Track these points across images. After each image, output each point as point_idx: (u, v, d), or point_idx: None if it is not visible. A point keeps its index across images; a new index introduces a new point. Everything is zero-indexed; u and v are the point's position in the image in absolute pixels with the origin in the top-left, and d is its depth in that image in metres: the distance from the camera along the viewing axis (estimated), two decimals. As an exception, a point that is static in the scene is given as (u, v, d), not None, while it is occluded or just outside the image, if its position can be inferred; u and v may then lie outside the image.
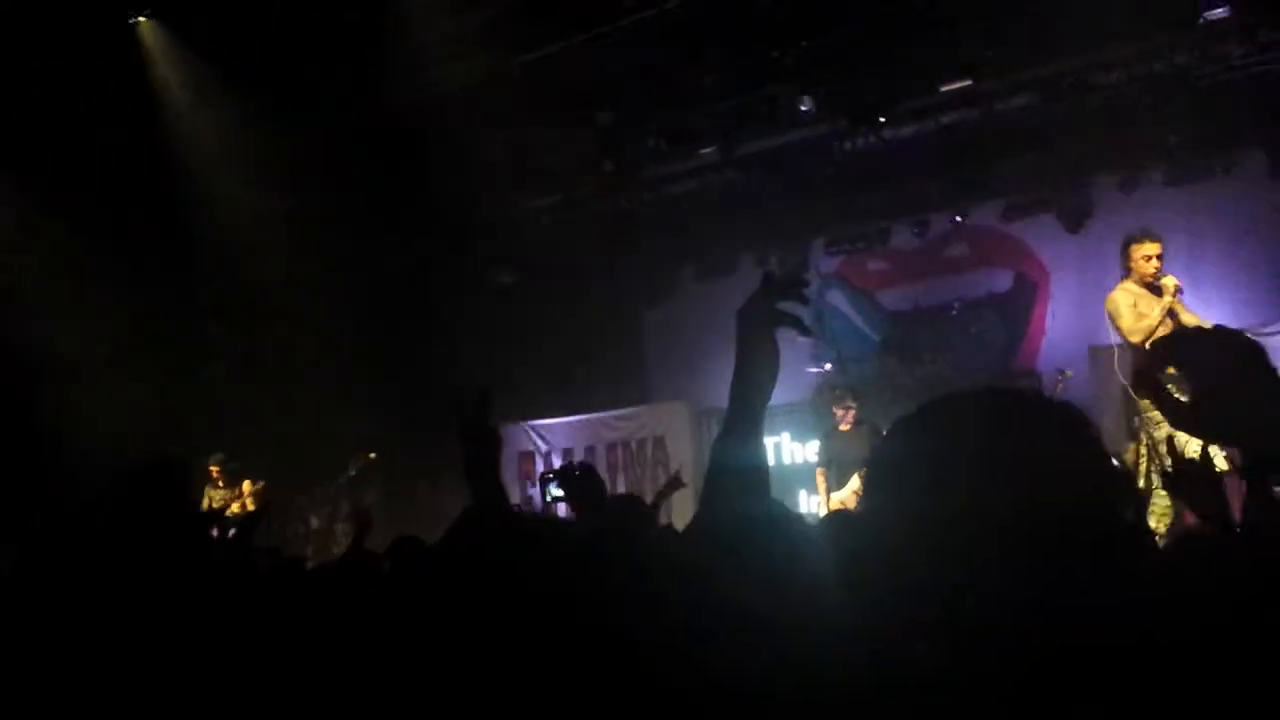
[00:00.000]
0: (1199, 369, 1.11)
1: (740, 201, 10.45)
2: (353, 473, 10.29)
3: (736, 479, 1.45)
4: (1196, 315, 5.83)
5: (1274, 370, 1.10)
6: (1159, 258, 5.95)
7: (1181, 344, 1.15)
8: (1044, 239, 9.94)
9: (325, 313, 10.25)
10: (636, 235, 10.88)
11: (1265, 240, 8.67)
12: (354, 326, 10.58)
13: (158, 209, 9.30)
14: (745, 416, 1.48)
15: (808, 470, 8.60)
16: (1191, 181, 9.02)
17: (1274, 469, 1.12)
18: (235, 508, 8.71)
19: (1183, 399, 1.12)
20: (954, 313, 10.17)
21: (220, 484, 8.92)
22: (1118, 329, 6.01)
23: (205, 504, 8.73)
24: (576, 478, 3.72)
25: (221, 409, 9.91)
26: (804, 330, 1.51)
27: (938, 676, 0.94)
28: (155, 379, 9.23)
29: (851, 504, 7.21)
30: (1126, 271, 6.07)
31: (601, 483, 3.84)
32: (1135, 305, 5.91)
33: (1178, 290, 5.82)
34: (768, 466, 1.52)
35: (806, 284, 1.53)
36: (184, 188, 9.20)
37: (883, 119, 9.33)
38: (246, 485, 8.96)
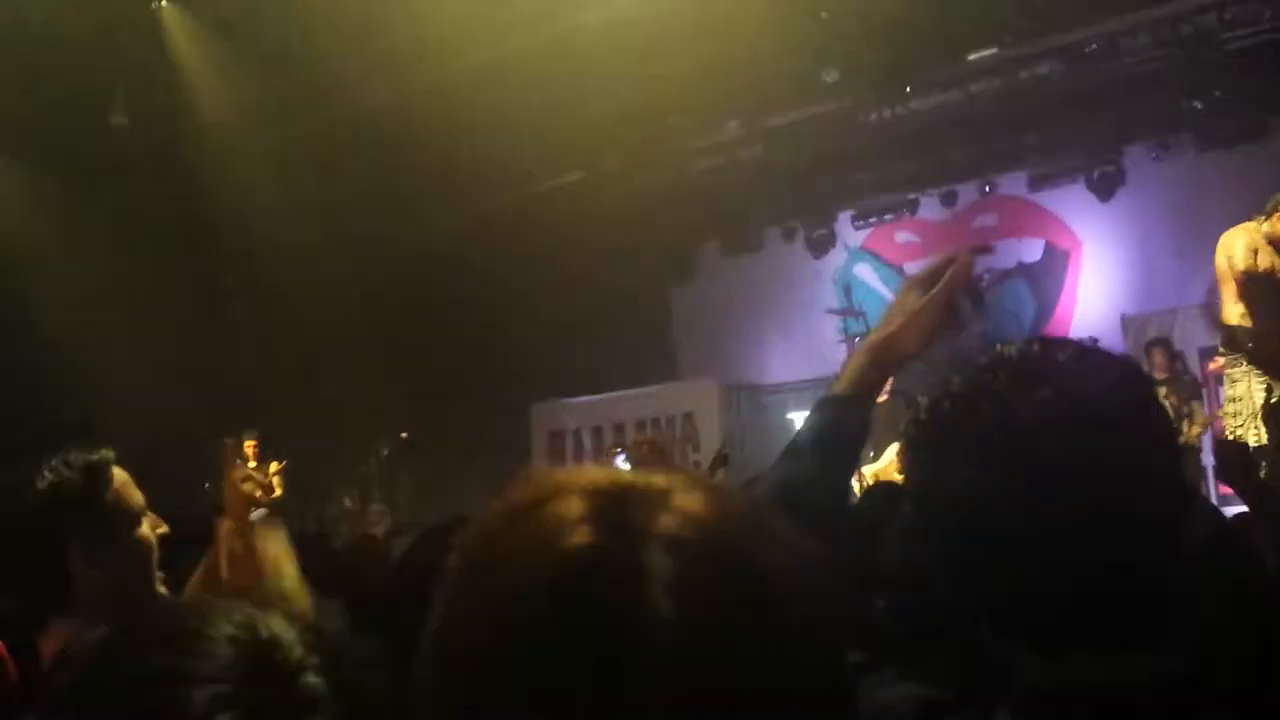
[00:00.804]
0: None
1: (766, 176, 10.38)
2: (385, 453, 10.34)
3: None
4: None
5: None
6: None
7: None
8: (1074, 208, 9.83)
9: (359, 293, 10.31)
10: (661, 212, 10.85)
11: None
12: (387, 305, 10.63)
13: (180, 190, 9.35)
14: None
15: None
16: (1223, 147, 8.88)
17: None
18: (258, 491, 8.78)
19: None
20: (983, 283, 10.06)
21: (251, 464, 8.99)
22: (1225, 265, 5.55)
23: (238, 479, 8.78)
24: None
25: (251, 387, 9.95)
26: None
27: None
28: (182, 358, 9.28)
29: (888, 475, 7.19)
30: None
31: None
32: (1256, 251, 5.47)
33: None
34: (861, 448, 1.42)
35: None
36: (207, 169, 9.24)
37: (908, 89, 9.24)
38: (274, 465, 9.03)
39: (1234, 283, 5.50)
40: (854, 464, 1.40)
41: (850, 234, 10.81)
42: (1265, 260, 5.48)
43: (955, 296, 1.39)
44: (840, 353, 9.95)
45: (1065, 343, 0.99)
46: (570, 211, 10.56)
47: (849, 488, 1.43)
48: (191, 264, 10.01)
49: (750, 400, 10.82)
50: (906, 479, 1.02)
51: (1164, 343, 8.08)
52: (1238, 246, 5.52)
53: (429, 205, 10.60)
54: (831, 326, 9.59)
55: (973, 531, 0.91)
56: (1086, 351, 0.96)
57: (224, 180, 9.21)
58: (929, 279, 1.38)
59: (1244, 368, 5.32)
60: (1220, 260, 5.62)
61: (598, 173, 10.48)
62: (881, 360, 1.35)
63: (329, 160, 9.56)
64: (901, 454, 1.05)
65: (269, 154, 9.24)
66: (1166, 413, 0.96)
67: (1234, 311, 5.48)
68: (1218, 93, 8.61)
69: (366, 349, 10.07)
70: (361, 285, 10.37)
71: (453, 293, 11.01)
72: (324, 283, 10.08)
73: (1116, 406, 0.91)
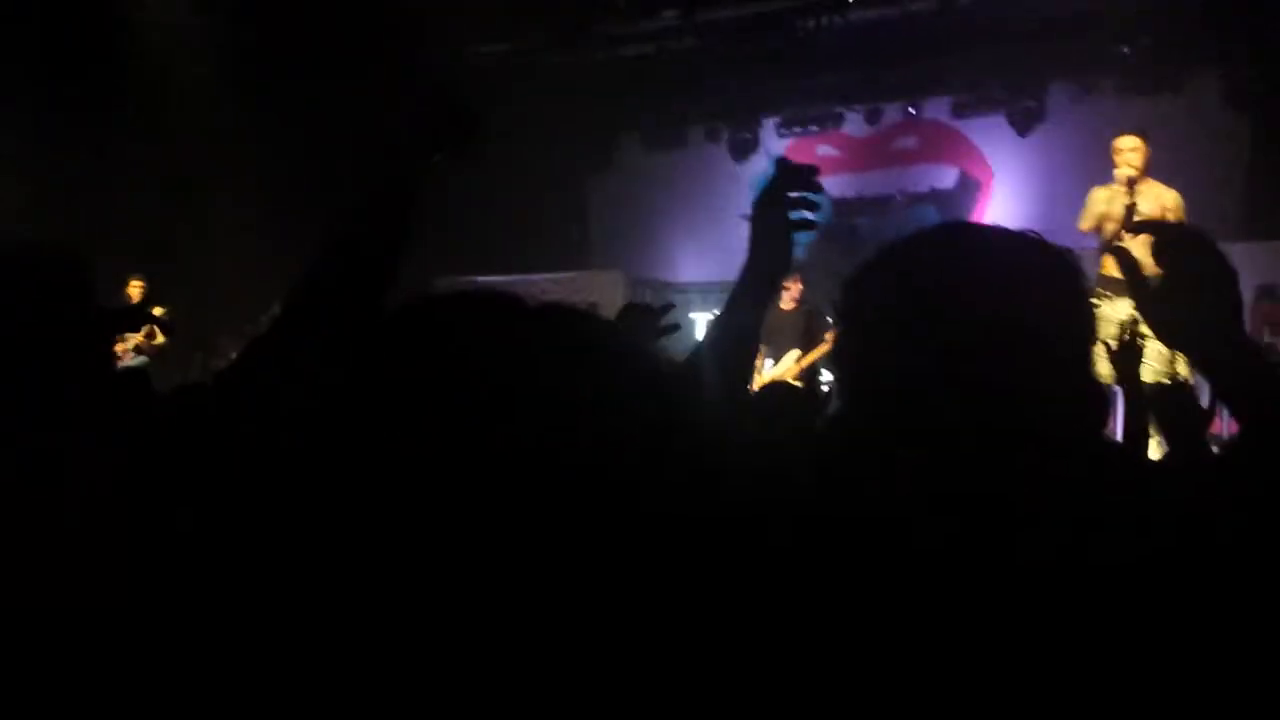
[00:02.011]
0: (1175, 265, 1.10)
1: (695, 72, 10.22)
2: (277, 311, 10.07)
3: (728, 363, 1.44)
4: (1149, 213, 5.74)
5: (1238, 294, 1.10)
6: (1131, 151, 5.83)
7: (1172, 236, 1.12)
8: (992, 139, 9.95)
9: (261, 151, 9.87)
10: (584, 96, 10.62)
11: (1210, 163, 8.77)
12: (290, 166, 10.23)
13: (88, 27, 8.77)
14: (749, 307, 1.47)
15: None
16: (1143, 95, 9.04)
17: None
18: (140, 336, 8.50)
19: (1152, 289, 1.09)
20: (896, 204, 10.21)
21: None
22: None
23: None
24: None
25: (142, 232, 9.51)
26: (813, 224, 1.49)
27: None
28: (68, 193, 8.79)
29: (788, 378, 7.33)
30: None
31: None
32: (1105, 201, 5.86)
33: (1128, 181, 5.74)
34: (756, 354, 1.51)
35: (818, 171, 1.49)
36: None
37: (849, -1, 9.17)
38: (157, 310, 8.69)
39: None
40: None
41: (774, 141, 10.77)
42: (1116, 208, 5.78)
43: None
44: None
45: (982, 226, 1.07)
46: (494, 84, 10.25)
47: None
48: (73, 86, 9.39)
49: (656, 296, 10.84)
50: (834, 346, 1.06)
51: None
52: (1087, 211, 5.98)
53: (347, 55, 10.17)
54: (743, 232, 9.59)
55: (891, 387, 0.93)
56: (1008, 231, 1.03)
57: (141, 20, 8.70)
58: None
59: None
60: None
61: (525, 46, 10.18)
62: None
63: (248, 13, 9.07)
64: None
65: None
66: (1079, 290, 1.00)
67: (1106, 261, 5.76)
68: (1143, 40, 8.73)
69: (271, 203, 9.72)
70: (270, 142, 9.95)
71: (363, 160, 10.64)
72: (232, 129, 9.63)
73: (1030, 273, 0.95)
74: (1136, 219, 5.59)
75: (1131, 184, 5.75)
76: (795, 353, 7.70)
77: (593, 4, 9.64)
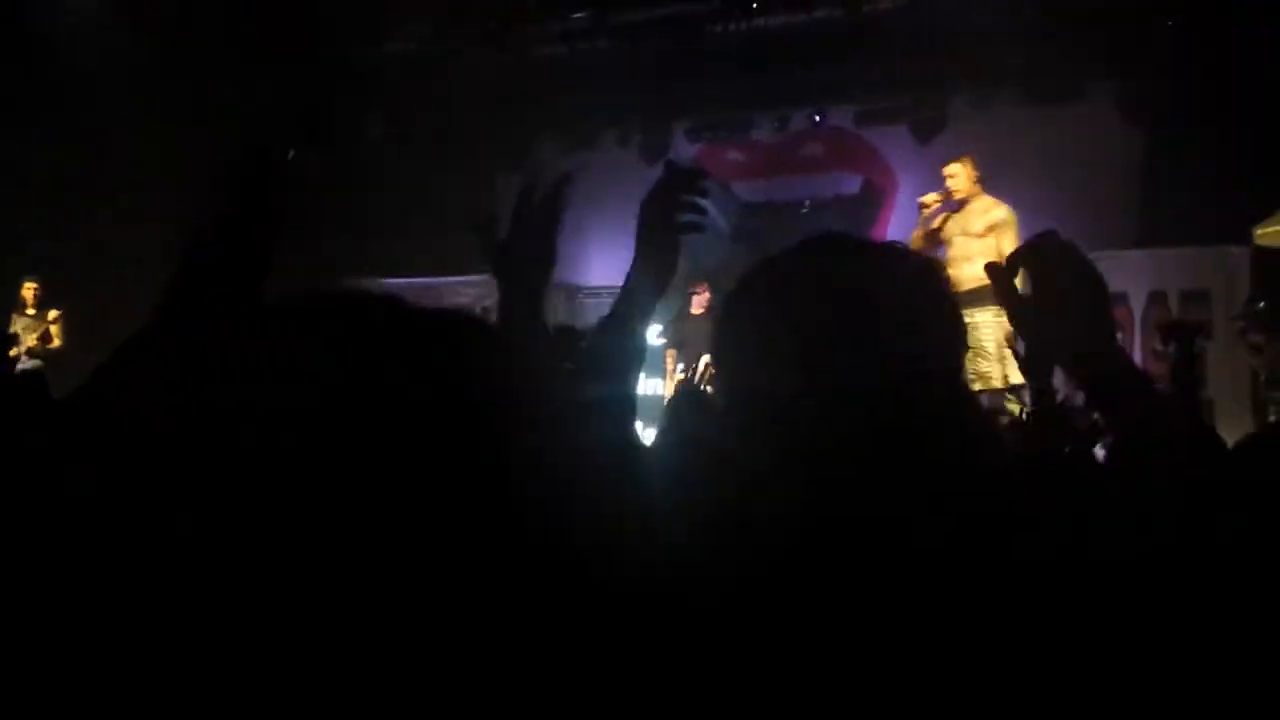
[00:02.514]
0: (1044, 278, 1.10)
1: (607, 75, 10.25)
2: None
3: (614, 367, 1.42)
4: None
5: (1107, 302, 1.10)
6: (951, 178, 6.33)
7: (1038, 250, 1.11)
8: (895, 148, 10.17)
9: (172, 148, 9.58)
10: (499, 96, 10.56)
11: (1107, 172, 9.07)
12: (203, 166, 9.91)
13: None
14: (635, 308, 1.44)
15: (653, 353, 8.72)
16: (1041, 105, 9.32)
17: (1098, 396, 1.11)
18: (33, 339, 8.22)
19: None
20: (804, 210, 10.37)
21: (30, 311, 8.37)
22: None
23: (10, 332, 8.22)
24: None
25: (39, 224, 9.15)
26: (700, 227, 1.48)
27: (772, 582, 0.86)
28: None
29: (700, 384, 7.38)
30: None
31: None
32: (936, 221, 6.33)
33: (924, 207, 6.35)
34: (643, 358, 1.49)
35: (706, 175, 1.50)
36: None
37: (755, 3, 9.27)
38: (52, 313, 8.42)
39: None
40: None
41: (684, 146, 10.85)
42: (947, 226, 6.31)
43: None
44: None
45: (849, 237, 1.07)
46: (405, 82, 10.14)
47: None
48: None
49: (567, 299, 10.82)
50: (711, 354, 1.07)
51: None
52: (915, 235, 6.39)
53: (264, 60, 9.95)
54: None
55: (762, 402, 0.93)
56: (876, 243, 1.05)
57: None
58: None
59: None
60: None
61: (439, 46, 10.08)
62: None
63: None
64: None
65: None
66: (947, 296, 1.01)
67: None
68: (1040, 51, 8.99)
69: (175, 199, 9.41)
70: (181, 138, 9.66)
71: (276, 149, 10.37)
72: (135, 119, 9.32)
73: (896, 283, 0.96)
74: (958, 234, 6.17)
75: (961, 204, 6.23)
76: (706, 358, 7.76)
77: (507, 4, 9.60)
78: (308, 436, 0.60)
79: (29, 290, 8.40)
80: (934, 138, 9.79)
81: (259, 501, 0.59)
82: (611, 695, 0.66)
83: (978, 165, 6.40)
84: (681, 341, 7.92)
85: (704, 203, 1.49)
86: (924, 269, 1.00)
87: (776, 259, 1.02)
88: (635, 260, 1.48)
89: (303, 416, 0.60)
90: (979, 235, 6.07)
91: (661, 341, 8.35)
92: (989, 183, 6.48)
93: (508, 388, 0.66)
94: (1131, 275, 7.81)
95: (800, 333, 0.92)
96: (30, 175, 9.27)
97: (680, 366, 7.84)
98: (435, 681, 0.59)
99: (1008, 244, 5.90)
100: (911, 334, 0.92)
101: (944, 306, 0.98)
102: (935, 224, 6.24)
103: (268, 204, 1.50)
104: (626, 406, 1.39)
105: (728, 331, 1.02)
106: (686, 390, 4.36)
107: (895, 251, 1.03)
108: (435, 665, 0.59)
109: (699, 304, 7.90)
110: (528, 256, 1.62)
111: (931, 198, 6.34)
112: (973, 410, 1.02)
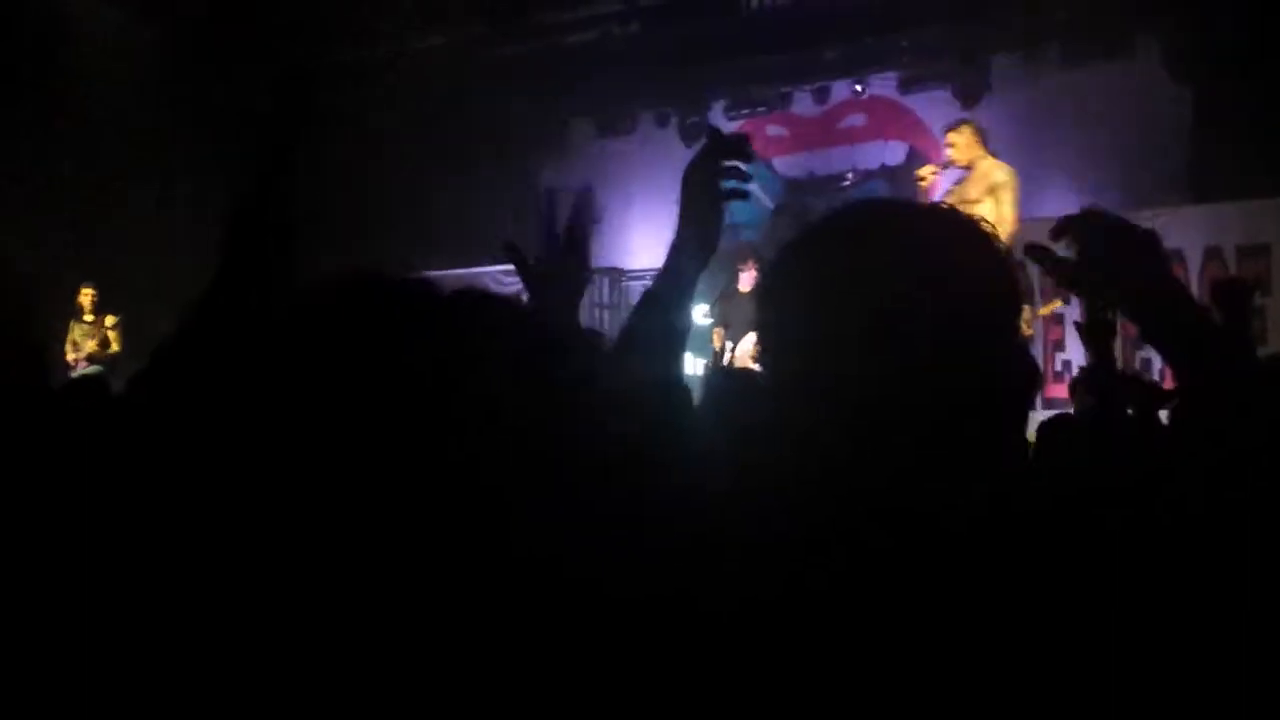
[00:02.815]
0: (1093, 243, 1.08)
1: (641, 58, 10.19)
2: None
3: (655, 346, 1.39)
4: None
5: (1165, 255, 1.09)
6: (949, 147, 6.21)
7: (1086, 219, 1.09)
8: (939, 114, 10.00)
9: (210, 143, 9.71)
10: (533, 85, 10.55)
11: (1154, 129, 8.86)
12: (239, 165, 10.04)
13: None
14: (678, 283, 1.41)
15: (699, 332, 8.69)
16: (1085, 65, 9.13)
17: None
18: (92, 345, 8.38)
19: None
20: (847, 182, 10.26)
21: (88, 317, 8.53)
22: None
23: (69, 339, 8.39)
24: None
25: (90, 236, 9.32)
26: (744, 194, 1.45)
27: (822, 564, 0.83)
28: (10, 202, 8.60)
29: (742, 362, 7.34)
30: None
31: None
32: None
33: (920, 179, 6.26)
34: (687, 336, 1.46)
35: (750, 142, 1.46)
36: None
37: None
38: (109, 319, 8.58)
39: None
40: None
41: (723, 124, 10.76)
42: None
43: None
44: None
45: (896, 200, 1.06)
46: (436, 77, 10.16)
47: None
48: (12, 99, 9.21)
49: (613, 284, 10.82)
50: (757, 331, 1.02)
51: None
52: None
53: (286, 49, 10.03)
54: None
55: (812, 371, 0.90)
56: (923, 205, 1.03)
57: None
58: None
59: None
60: None
61: (462, 38, 10.10)
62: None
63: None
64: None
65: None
66: (1005, 266, 0.96)
67: None
68: (1084, 8, 8.80)
69: (219, 202, 9.54)
70: (211, 139, 9.78)
71: (313, 149, 10.49)
72: (170, 124, 9.45)
73: (948, 242, 0.92)
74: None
75: (963, 173, 6.15)
76: (753, 335, 7.71)
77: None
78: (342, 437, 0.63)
79: (86, 297, 8.56)
80: (978, 101, 9.63)
81: (301, 492, 0.62)
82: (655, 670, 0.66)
83: (979, 130, 6.22)
84: (729, 320, 7.86)
85: (748, 168, 1.44)
86: (973, 227, 0.95)
87: (818, 228, 0.96)
88: (678, 231, 1.44)
89: (337, 417, 0.63)
90: (975, 201, 5.89)
91: (709, 320, 8.31)
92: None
93: (544, 373, 0.66)
94: (1186, 232, 7.62)
95: (857, 306, 0.88)
96: (81, 181, 9.45)
97: (729, 345, 7.80)
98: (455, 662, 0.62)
99: (1006, 207, 5.79)
100: (970, 297, 0.88)
101: (998, 264, 0.94)
102: (936, 197, 6.08)
103: (280, 195, 1.54)
104: (672, 384, 1.36)
105: (774, 305, 0.97)
106: (723, 370, 4.33)
107: (942, 211, 1.01)
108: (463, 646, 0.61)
109: (746, 281, 7.83)
110: (562, 274, 1.63)
111: (928, 170, 6.21)
112: (1031, 368, 0.99)
